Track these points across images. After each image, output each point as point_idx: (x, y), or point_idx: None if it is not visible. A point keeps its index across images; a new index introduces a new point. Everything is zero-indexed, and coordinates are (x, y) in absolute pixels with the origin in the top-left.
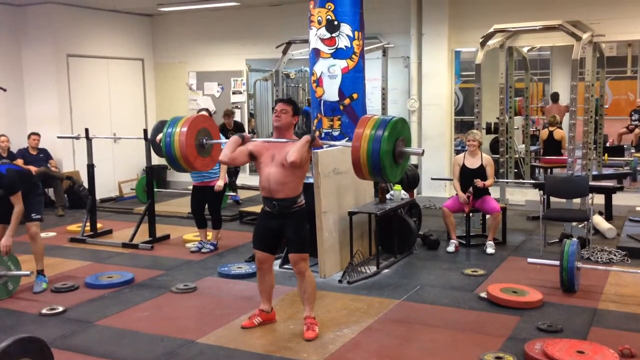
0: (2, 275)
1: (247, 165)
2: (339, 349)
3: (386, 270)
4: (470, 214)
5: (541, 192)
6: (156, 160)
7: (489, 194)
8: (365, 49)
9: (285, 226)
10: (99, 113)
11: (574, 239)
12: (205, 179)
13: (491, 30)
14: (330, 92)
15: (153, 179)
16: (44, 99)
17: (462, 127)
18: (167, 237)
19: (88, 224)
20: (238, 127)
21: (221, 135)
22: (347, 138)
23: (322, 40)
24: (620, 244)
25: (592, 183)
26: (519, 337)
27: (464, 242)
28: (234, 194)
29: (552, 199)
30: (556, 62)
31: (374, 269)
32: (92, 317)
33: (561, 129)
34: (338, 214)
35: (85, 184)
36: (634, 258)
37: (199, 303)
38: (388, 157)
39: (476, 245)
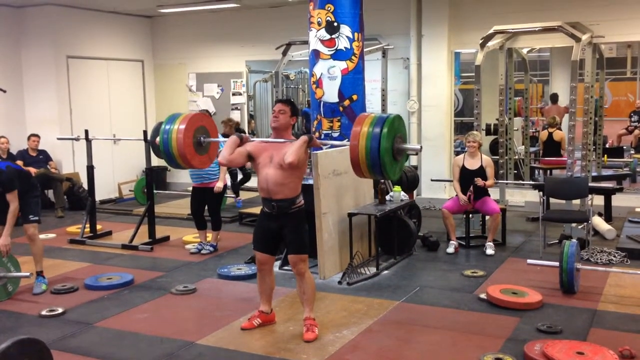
0: (2, 276)
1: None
2: (338, 350)
3: (386, 272)
4: (470, 215)
5: (541, 193)
6: (156, 161)
7: (489, 195)
8: (365, 50)
9: (285, 227)
10: (98, 114)
11: (574, 240)
12: (204, 180)
13: (491, 31)
14: (330, 93)
15: (153, 180)
16: (44, 101)
17: (461, 128)
18: (166, 238)
19: (88, 225)
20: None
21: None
22: (346, 139)
23: (322, 41)
24: (620, 245)
25: (591, 184)
26: (518, 338)
27: (463, 243)
28: (239, 198)
29: (552, 200)
30: (556, 64)
31: (373, 270)
32: (92, 319)
33: (561, 130)
34: (338, 215)
35: (85, 186)
36: (634, 259)
37: (199, 304)
38: (388, 154)
39: (476, 246)
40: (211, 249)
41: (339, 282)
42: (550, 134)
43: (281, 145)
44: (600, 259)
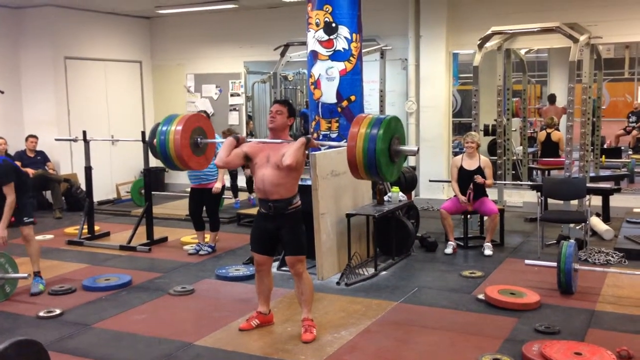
0: (0, 277)
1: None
2: (336, 351)
3: (384, 272)
4: (468, 216)
5: (539, 193)
6: (154, 162)
7: (487, 195)
8: (363, 51)
9: (282, 228)
10: (96, 115)
11: (572, 241)
12: (203, 181)
13: (489, 32)
14: (328, 94)
15: (151, 181)
16: (42, 102)
17: (460, 129)
18: (164, 239)
19: (85, 226)
20: None
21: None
22: (344, 140)
23: (320, 42)
24: (618, 246)
25: (589, 185)
26: (516, 339)
27: (461, 243)
28: (237, 199)
29: (550, 200)
30: (554, 64)
31: (371, 271)
32: (90, 320)
33: (558, 130)
34: (336, 216)
35: (83, 187)
36: (632, 259)
37: (197, 305)
38: (384, 155)
39: (474, 247)
40: (209, 249)
41: (337, 283)
42: (548, 135)
43: (278, 145)
44: (598, 260)
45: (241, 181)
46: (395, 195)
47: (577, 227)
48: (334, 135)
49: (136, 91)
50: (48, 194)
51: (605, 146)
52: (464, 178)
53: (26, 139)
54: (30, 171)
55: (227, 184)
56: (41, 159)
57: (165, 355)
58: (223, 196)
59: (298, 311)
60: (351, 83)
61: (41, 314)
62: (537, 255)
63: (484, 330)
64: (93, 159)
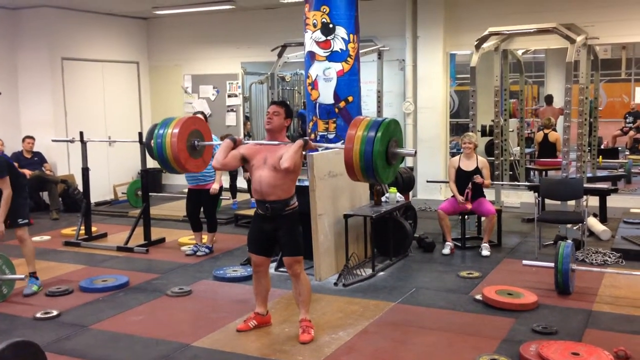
0: None
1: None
2: (334, 352)
3: (382, 273)
4: (466, 217)
5: (536, 194)
6: (151, 163)
7: (484, 196)
8: (360, 51)
9: (279, 229)
10: (93, 116)
11: (569, 241)
12: (200, 182)
13: (486, 33)
14: (326, 95)
15: (148, 182)
16: (39, 102)
17: (457, 129)
18: (162, 240)
19: (83, 227)
20: None
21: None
22: (342, 141)
23: (317, 43)
24: (615, 246)
25: (586, 185)
26: (514, 339)
27: (459, 244)
28: (234, 200)
29: (547, 201)
30: (550, 65)
31: (369, 271)
32: (87, 321)
33: (556, 131)
34: (333, 217)
35: (80, 188)
36: (629, 260)
37: (194, 306)
38: (381, 158)
39: (471, 247)
40: (207, 250)
41: (335, 284)
42: (545, 135)
43: (275, 147)
44: (595, 260)
45: (241, 182)
46: (393, 196)
47: (575, 228)
48: (331, 136)
49: (133, 92)
50: (45, 195)
51: (602, 147)
52: (462, 179)
53: (23, 140)
54: (27, 172)
55: (225, 184)
56: (38, 160)
57: (162, 356)
58: (220, 197)
59: (296, 312)
60: (348, 84)
61: (38, 315)
62: (534, 255)
63: (482, 331)
64: (90, 160)
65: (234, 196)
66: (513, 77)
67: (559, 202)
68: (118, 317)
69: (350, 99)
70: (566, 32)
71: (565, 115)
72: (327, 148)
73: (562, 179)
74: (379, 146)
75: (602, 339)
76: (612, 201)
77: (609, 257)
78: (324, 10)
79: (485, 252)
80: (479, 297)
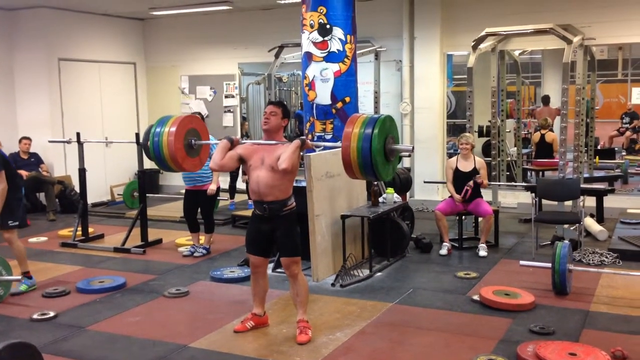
0: None
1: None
2: (331, 353)
3: (379, 274)
4: (463, 217)
5: (533, 194)
6: (148, 164)
7: (482, 196)
8: (357, 52)
9: (276, 230)
10: (90, 117)
11: (566, 242)
12: (197, 183)
13: (483, 33)
14: (323, 95)
15: (145, 183)
16: (36, 103)
17: (454, 130)
18: (159, 241)
19: (79, 228)
20: None
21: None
22: (339, 141)
23: (315, 43)
24: (612, 246)
25: (583, 185)
26: (511, 340)
27: (456, 245)
28: (232, 200)
29: (544, 201)
30: (547, 65)
31: (366, 272)
32: (84, 322)
33: (553, 131)
34: (331, 218)
35: (77, 189)
36: (626, 260)
37: (192, 307)
38: (379, 154)
39: (469, 248)
40: (204, 251)
41: (332, 284)
42: (542, 136)
43: (273, 147)
44: (593, 260)
45: (240, 183)
46: (390, 196)
47: (572, 228)
48: (328, 137)
49: (130, 93)
50: (42, 196)
51: (599, 147)
52: (460, 179)
53: (20, 141)
54: (24, 173)
55: (224, 185)
56: (35, 160)
57: (159, 357)
58: (218, 198)
59: (293, 313)
60: (345, 84)
61: (35, 316)
62: (531, 256)
63: (479, 331)
64: (87, 161)
65: (232, 197)
66: (510, 77)
67: (556, 203)
68: (115, 318)
69: (347, 99)
70: (563, 32)
71: (562, 115)
72: (325, 147)
73: (559, 180)
74: (377, 143)
75: (600, 339)
76: (609, 201)
77: (606, 257)
78: (321, 11)
79: (483, 252)
80: (476, 297)
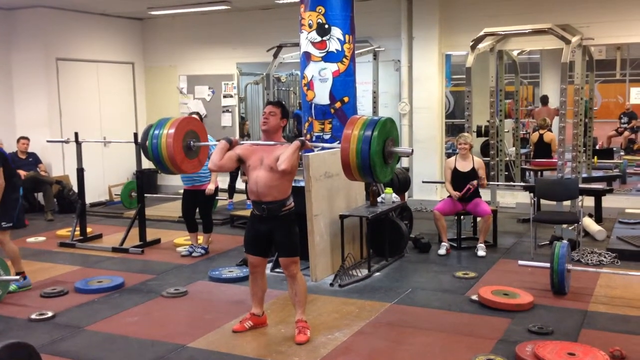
0: None
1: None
2: (330, 353)
3: (377, 274)
4: (462, 217)
5: (531, 194)
6: (147, 164)
7: (480, 196)
8: (356, 52)
9: (275, 230)
10: (88, 117)
11: (564, 241)
12: (196, 183)
13: (481, 33)
14: (321, 95)
15: (143, 183)
16: (34, 103)
17: (453, 130)
18: (157, 241)
19: (78, 228)
20: None
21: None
22: (338, 141)
23: (313, 43)
24: (610, 246)
25: (581, 185)
26: (510, 340)
27: (455, 244)
28: (230, 200)
29: (543, 201)
30: (546, 65)
31: (365, 272)
32: (82, 322)
33: (551, 131)
34: (329, 218)
35: (75, 188)
36: (624, 260)
37: (190, 307)
38: (378, 157)
39: (467, 248)
40: (202, 251)
41: (331, 284)
42: (540, 136)
43: (271, 147)
44: (591, 260)
45: (240, 183)
46: (389, 196)
47: (570, 228)
48: (327, 137)
49: (128, 93)
50: (40, 196)
51: (597, 147)
52: (458, 179)
53: (18, 141)
54: (22, 173)
55: (223, 185)
56: (33, 160)
57: (158, 357)
58: (216, 197)
59: (292, 313)
60: (344, 84)
61: (33, 316)
62: (530, 256)
63: (478, 331)
64: (85, 161)
65: (230, 196)
66: (508, 77)
67: (554, 203)
68: (113, 318)
69: (346, 99)
70: (561, 32)
71: (560, 115)
72: (323, 148)
73: (557, 180)
74: (376, 145)
75: (598, 339)
76: (607, 201)
77: (605, 257)
78: (320, 10)
79: (481, 252)
80: (474, 297)
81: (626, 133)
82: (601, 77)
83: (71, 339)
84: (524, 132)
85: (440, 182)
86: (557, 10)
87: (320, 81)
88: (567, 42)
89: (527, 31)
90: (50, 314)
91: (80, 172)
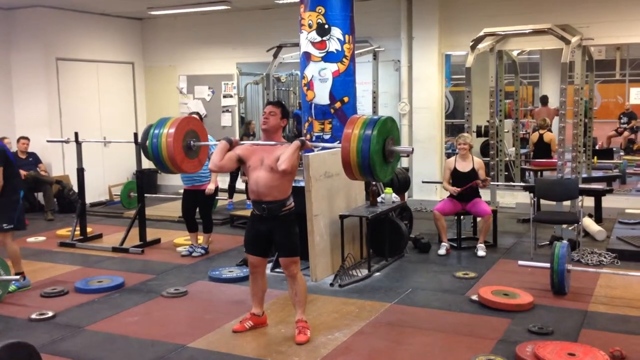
0: None
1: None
2: (330, 353)
3: (377, 274)
4: (461, 217)
5: (531, 194)
6: (146, 164)
7: (480, 196)
8: (355, 52)
9: (275, 230)
10: (88, 117)
11: (564, 242)
12: (196, 183)
13: (481, 34)
14: (321, 95)
15: (143, 183)
16: (33, 103)
17: (452, 130)
18: (157, 241)
19: (78, 228)
20: None
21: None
22: (338, 141)
23: (313, 43)
24: (610, 246)
25: (581, 186)
26: (510, 340)
27: (455, 245)
28: (230, 200)
29: (542, 201)
30: (545, 66)
31: (365, 272)
32: (82, 322)
33: (551, 132)
34: (329, 218)
35: (75, 188)
36: (624, 260)
37: (190, 307)
38: (378, 156)
39: (467, 248)
40: (202, 251)
41: (331, 284)
42: (540, 136)
43: (272, 147)
44: (591, 260)
45: (240, 183)
46: (389, 196)
47: (570, 228)
48: (327, 137)
49: (128, 92)
50: (40, 196)
51: (597, 147)
52: (458, 180)
53: (18, 141)
54: (22, 173)
55: (223, 184)
56: (33, 160)
57: (158, 357)
58: (216, 197)
59: (292, 313)
60: (344, 84)
61: (33, 316)
62: (530, 256)
63: (478, 331)
64: (85, 161)
65: (230, 196)
66: (508, 77)
67: (554, 203)
68: (113, 318)
69: (345, 99)
70: (561, 33)
71: (560, 116)
72: (324, 148)
73: (557, 180)
74: (376, 144)
75: (598, 339)
76: (607, 202)
77: (605, 257)
78: (320, 10)
79: (481, 252)
80: (474, 297)
81: (626, 133)
82: (601, 77)
83: (71, 338)
84: (524, 132)
85: (440, 183)
86: (557, 11)
87: (320, 81)
88: (567, 42)
89: (527, 31)
90: (50, 313)
91: (80, 172)
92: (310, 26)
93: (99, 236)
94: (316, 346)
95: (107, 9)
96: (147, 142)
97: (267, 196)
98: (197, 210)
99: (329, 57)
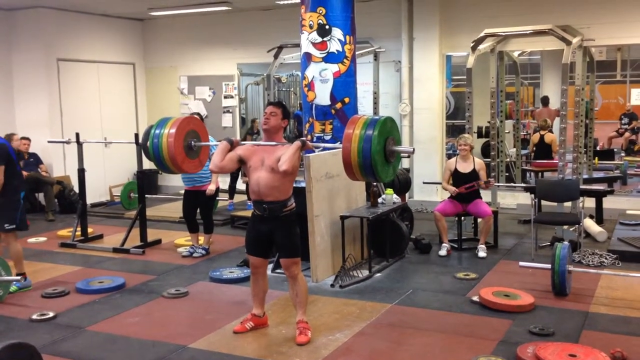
0: None
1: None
2: (331, 354)
3: (378, 275)
4: (462, 218)
5: (532, 195)
6: (147, 164)
7: (481, 197)
8: (356, 53)
9: (276, 230)
10: (89, 117)
11: (565, 243)
12: (197, 183)
13: (482, 34)
14: (322, 96)
15: (144, 183)
16: (34, 104)
17: (453, 131)
18: (158, 241)
19: (79, 228)
20: None
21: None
22: (339, 141)
23: (314, 44)
24: (611, 247)
25: (582, 186)
26: (511, 341)
27: (455, 245)
28: (231, 201)
29: (543, 202)
30: (546, 66)
31: (366, 273)
32: (83, 323)
33: (552, 132)
34: (330, 218)
35: (76, 189)
36: (625, 261)
37: (191, 308)
38: (379, 156)
39: (468, 249)
40: (203, 252)
41: (332, 285)
42: (541, 137)
43: (273, 148)
44: (592, 261)
45: (240, 184)
46: (389, 197)
47: (571, 229)
48: (327, 138)
49: (129, 93)
50: (41, 197)
51: (598, 148)
52: (459, 180)
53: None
54: (23, 173)
55: (224, 185)
56: (34, 161)
57: (159, 358)
58: (217, 198)
59: (292, 313)
60: (345, 85)
61: (34, 317)
62: (531, 257)
63: (479, 332)
64: (86, 161)
65: (231, 197)
66: (509, 78)
67: (555, 204)
68: (114, 319)
69: (346, 100)
70: (562, 33)
71: (561, 116)
72: (325, 148)
73: (558, 181)
74: (377, 144)
75: (599, 341)
76: (608, 203)
77: (606, 258)
78: (320, 11)
79: (482, 253)
80: (475, 298)
81: (627, 134)
82: (602, 78)
83: (72, 339)
84: (525, 133)
85: (441, 183)
86: (557, 11)
87: (321, 82)
88: (568, 43)
89: (527, 32)
90: (51, 314)
91: (81, 172)
92: (311, 27)
93: (100, 237)
94: (317, 347)
95: (108, 9)
96: (148, 142)
97: (268, 197)
98: (198, 210)
99: (329, 58)
